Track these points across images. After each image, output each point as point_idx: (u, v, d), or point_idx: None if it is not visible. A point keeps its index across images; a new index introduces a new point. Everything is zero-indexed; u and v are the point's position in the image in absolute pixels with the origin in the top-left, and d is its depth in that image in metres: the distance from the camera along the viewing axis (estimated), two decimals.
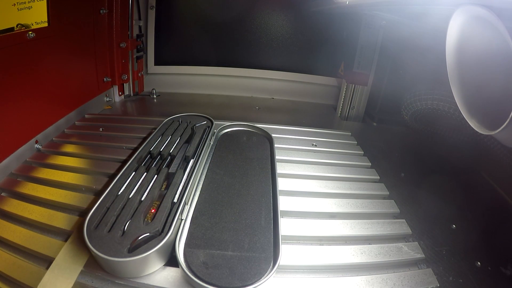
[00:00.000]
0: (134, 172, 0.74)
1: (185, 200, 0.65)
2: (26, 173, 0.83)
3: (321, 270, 0.60)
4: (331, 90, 1.68)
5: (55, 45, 1.01)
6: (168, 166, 0.79)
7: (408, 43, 1.14)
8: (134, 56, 1.52)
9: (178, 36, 1.66)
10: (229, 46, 1.68)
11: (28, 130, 0.92)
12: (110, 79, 1.41)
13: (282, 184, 0.80)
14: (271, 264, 0.54)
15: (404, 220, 0.73)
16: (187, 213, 0.65)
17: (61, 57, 1.06)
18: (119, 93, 1.50)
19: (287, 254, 0.60)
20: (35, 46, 0.92)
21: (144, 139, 0.96)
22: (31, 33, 0.88)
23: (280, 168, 0.87)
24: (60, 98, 1.08)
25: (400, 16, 1.06)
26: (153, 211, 0.63)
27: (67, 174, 0.82)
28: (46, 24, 0.96)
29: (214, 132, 1.00)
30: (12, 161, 0.85)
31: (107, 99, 1.41)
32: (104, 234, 0.55)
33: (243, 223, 0.63)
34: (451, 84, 0.59)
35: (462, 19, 0.51)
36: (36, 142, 0.94)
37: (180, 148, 0.87)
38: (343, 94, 1.48)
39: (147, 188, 0.69)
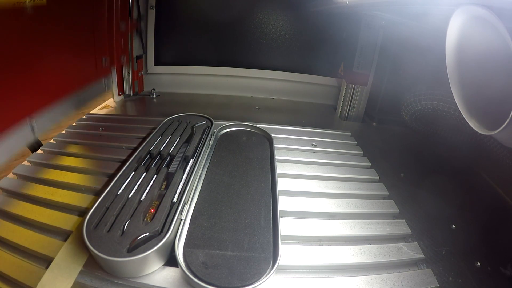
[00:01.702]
0: (133, 172, 0.74)
1: (184, 200, 0.65)
2: (25, 173, 0.83)
3: (320, 270, 0.60)
4: (331, 90, 1.68)
5: (51, 22, 0.97)
6: (168, 166, 0.79)
7: (408, 43, 1.14)
8: (134, 38, 1.49)
9: (178, 36, 1.66)
10: (229, 46, 1.68)
11: (22, 109, 0.89)
12: (108, 60, 1.36)
13: (281, 184, 0.80)
14: (271, 264, 0.54)
15: (403, 220, 0.73)
16: (187, 213, 0.64)
17: (58, 35, 1.02)
18: (119, 93, 1.50)
19: (286, 254, 0.60)
20: (31, 21, 0.88)
21: (144, 139, 0.96)
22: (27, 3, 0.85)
23: (280, 168, 0.87)
24: (57, 78, 1.04)
25: (400, 16, 1.06)
26: (152, 211, 0.63)
27: (66, 174, 0.82)
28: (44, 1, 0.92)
29: (214, 132, 1.00)
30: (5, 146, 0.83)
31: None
32: (103, 234, 0.55)
33: (242, 223, 0.63)
34: (451, 84, 0.59)
35: (462, 19, 0.51)
36: (31, 120, 0.91)
37: (179, 148, 0.87)
38: (343, 94, 1.48)
39: (146, 188, 0.69)
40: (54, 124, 1.05)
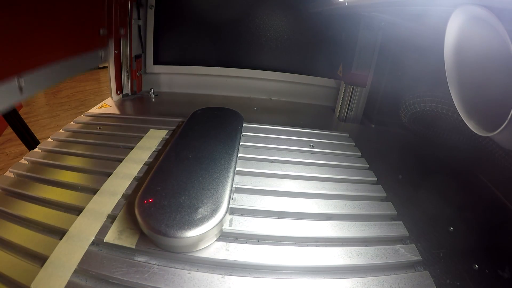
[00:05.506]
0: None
1: None
2: (22, 171, 0.83)
3: (317, 271, 0.60)
4: (330, 91, 1.68)
5: None
6: None
7: (407, 44, 1.14)
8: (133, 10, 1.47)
9: (177, 36, 1.66)
10: (228, 47, 1.68)
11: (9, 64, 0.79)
12: (106, 31, 1.29)
13: (280, 184, 0.80)
14: None
15: (401, 222, 0.72)
16: None
17: None
18: (117, 92, 1.49)
19: (283, 255, 0.60)
20: None
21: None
22: None
23: (277, 169, 0.87)
24: (49, 37, 0.95)
25: (399, 17, 1.06)
26: None
27: (63, 173, 0.82)
28: None
29: None
30: None
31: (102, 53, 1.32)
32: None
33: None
34: (449, 85, 0.59)
35: (461, 20, 0.51)
36: (19, 77, 0.82)
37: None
38: (342, 96, 1.48)
39: None
40: (43, 88, 0.94)
